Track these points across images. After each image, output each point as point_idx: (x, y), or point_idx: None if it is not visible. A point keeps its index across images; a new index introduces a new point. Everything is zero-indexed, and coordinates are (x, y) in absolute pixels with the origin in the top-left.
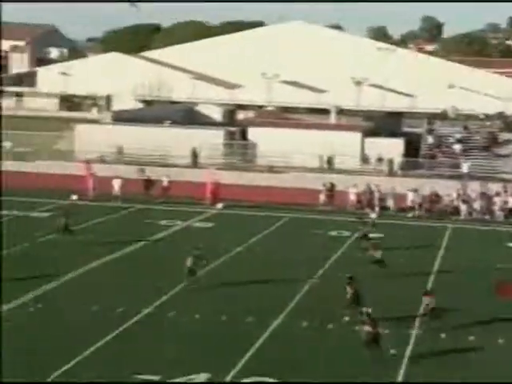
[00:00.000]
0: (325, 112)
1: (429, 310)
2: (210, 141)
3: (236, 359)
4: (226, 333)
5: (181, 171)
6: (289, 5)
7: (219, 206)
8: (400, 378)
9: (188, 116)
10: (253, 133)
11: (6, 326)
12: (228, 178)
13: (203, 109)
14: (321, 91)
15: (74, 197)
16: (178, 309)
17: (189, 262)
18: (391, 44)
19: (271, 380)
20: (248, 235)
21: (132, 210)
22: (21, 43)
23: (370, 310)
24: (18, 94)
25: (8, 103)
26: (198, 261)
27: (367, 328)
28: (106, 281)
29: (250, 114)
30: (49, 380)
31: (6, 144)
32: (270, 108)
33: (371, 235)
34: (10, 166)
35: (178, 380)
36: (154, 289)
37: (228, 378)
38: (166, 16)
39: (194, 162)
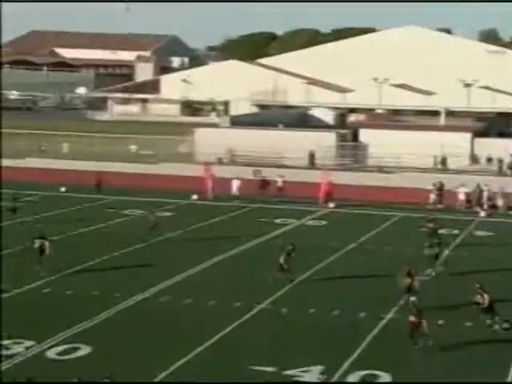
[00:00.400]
0: (434, 114)
1: None
2: (323, 143)
3: (349, 352)
4: (338, 326)
5: (297, 172)
6: (399, 8)
7: (331, 205)
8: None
9: (301, 119)
10: (364, 134)
11: (131, 318)
12: (340, 178)
13: (316, 112)
14: (430, 93)
15: (195, 197)
16: (291, 304)
17: (281, 258)
18: (501, 46)
19: (383, 374)
20: (360, 233)
21: (248, 210)
22: (146, 53)
23: (415, 299)
24: (144, 101)
25: (134, 109)
26: (287, 257)
27: (412, 318)
28: (222, 277)
29: (361, 117)
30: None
31: (132, 147)
32: (380, 111)
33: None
34: (134, 168)
35: (292, 371)
36: (268, 285)
37: (341, 371)
38: (279, 24)
39: (311, 162)
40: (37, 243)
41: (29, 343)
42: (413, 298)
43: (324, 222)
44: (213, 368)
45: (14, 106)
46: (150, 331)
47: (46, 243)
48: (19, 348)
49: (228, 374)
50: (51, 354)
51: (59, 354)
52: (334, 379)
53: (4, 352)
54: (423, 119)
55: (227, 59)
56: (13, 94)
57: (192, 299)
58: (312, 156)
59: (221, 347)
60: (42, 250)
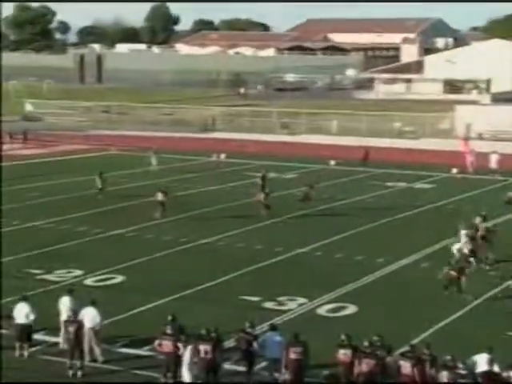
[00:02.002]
0: None
1: None
2: None
3: None
4: None
5: None
6: None
7: None
8: None
9: None
10: None
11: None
12: None
13: None
14: None
15: (454, 170)
16: None
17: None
18: None
19: None
20: None
21: (507, 183)
22: (411, 35)
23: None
24: (408, 81)
25: (398, 89)
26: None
27: (452, 272)
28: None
29: None
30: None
31: (396, 124)
32: None
33: None
34: (398, 143)
35: None
36: None
37: None
38: None
39: None
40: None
41: (301, 300)
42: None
43: None
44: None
45: (290, 88)
46: (409, 296)
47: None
48: (293, 304)
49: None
50: (322, 311)
51: (328, 311)
52: None
53: (279, 307)
54: None
55: (490, 39)
56: (290, 77)
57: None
58: None
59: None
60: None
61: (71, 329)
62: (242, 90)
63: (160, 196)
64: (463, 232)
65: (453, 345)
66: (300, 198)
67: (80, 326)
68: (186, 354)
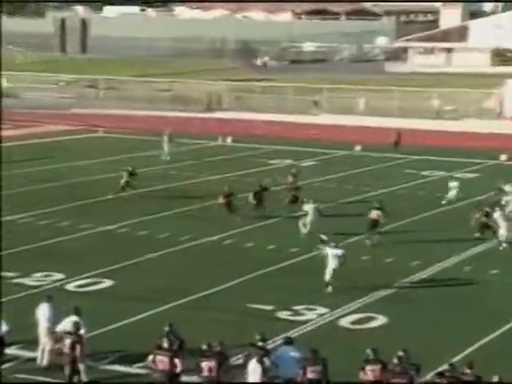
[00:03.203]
0: None
1: None
2: None
3: None
4: None
5: None
6: None
7: None
8: None
9: None
10: None
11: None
12: None
13: None
14: None
15: (503, 157)
16: None
17: None
18: None
19: None
20: None
21: None
22: None
23: None
24: (448, 50)
25: (437, 60)
26: None
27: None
28: None
29: None
30: None
31: (434, 102)
32: None
33: None
34: (436, 125)
35: None
36: None
37: None
38: None
39: None
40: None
41: (321, 310)
42: None
43: None
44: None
45: (308, 59)
46: (448, 305)
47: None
48: (311, 314)
49: None
50: (345, 322)
51: (353, 322)
52: None
53: (294, 318)
54: None
55: None
56: (308, 46)
57: (498, 271)
58: None
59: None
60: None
61: (68, 342)
62: (259, 61)
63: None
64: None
65: (499, 364)
66: (289, 200)
67: (80, 340)
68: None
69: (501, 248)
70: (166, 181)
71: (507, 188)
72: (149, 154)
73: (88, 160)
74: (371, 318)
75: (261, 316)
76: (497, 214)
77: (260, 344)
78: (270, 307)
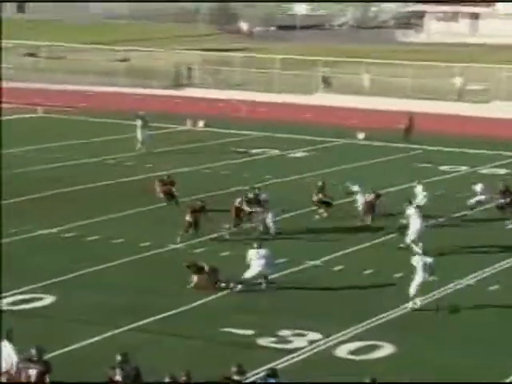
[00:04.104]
0: None
1: None
2: None
3: None
4: None
5: None
6: None
7: None
8: None
9: None
10: None
11: None
12: None
13: None
14: None
15: None
16: None
17: None
18: None
19: None
20: None
21: None
22: None
23: None
24: (473, 16)
25: (460, 28)
26: None
27: None
28: None
29: None
30: None
31: (456, 80)
32: None
33: None
34: (458, 108)
35: None
36: None
37: None
38: None
39: None
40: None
41: (313, 336)
42: None
43: None
44: None
45: (302, 25)
46: (472, 332)
47: None
48: (301, 342)
49: None
50: (342, 351)
51: (353, 352)
52: None
53: (280, 345)
54: None
55: None
56: (300, 9)
57: None
58: None
59: None
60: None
61: (31, 373)
62: (244, 26)
63: None
64: None
65: None
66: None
67: (47, 369)
68: None
69: None
70: (121, 174)
71: None
72: (99, 139)
73: (24, 147)
74: (375, 347)
75: (238, 343)
76: None
77: (236, 378)
78: (248, 332)
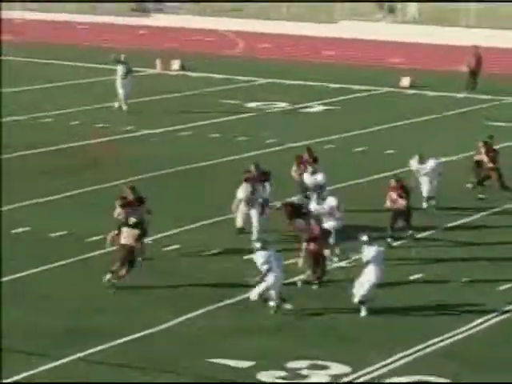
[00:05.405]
0: None
1: None
2: None
3: None
4: None
5: None
6: None
7: None
8: None
9: None
10: None
11: None
12: None
13: None
14: None
15: None
16: None
17: None
18: None
19: None
20: None
21: None
22: None
23: None
24: None
25: None
26: None
27: None
28: None
29: None
30: None
31: None
32: None
33: None
34: None
35: None
36: None
37: None
38: None
39: None
40: None
41: (337, 368)
42: None
43: None
44: None
45: None
46: None
47: None
48: (320, 377)
49: None
50: None
51: None
52: None
53: (293, 381)
54: None
55: None
56: None
57: None
58: None
59: None
60: None
61: None
62: None
63: None
64: None
65: None
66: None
67: None
68: None
69: None
70: (60, 139)
71: None
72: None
73: None
74: None
75: (232, 378)
76: None
77: None
78: (246, 364)
